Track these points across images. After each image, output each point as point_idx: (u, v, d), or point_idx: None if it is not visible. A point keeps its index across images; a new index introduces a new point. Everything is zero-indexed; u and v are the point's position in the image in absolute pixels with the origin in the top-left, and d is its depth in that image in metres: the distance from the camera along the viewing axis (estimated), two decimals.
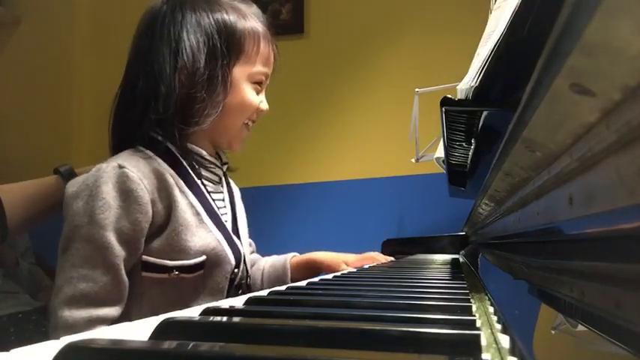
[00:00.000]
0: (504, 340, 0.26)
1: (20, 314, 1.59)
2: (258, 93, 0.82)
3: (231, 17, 0.77)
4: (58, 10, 2.26)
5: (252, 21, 0.80)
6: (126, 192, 0.68)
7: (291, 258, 1.02)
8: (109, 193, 0.67)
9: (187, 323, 0.28)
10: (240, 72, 0.79)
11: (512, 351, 0.25)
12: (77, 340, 0.23)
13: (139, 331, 0.27)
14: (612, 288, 0.22)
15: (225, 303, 0.41)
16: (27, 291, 1.72)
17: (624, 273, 0.20)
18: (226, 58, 0.76)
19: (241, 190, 0.96)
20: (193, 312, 0.34)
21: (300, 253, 1.04)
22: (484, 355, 0.23)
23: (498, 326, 0.31)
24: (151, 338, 0.26)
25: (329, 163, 2.08)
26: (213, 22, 0.76)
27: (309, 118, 2.12)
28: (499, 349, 0.25)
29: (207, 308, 0.35)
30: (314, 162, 2.10)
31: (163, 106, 0.72)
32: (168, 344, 0.23)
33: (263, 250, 1.06)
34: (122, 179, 0.68)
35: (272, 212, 2.01)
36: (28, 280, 1.75)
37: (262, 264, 1.03)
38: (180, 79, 0.73)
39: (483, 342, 0.24)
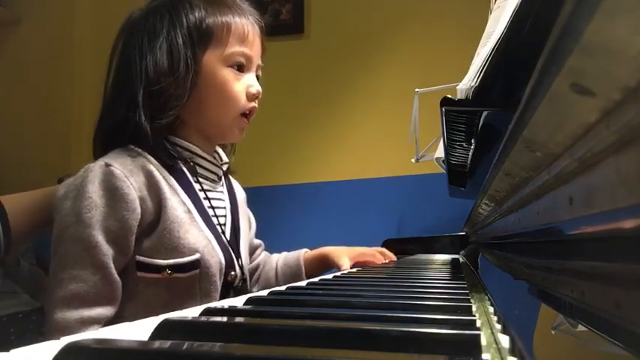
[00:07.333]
0: (504, 340, 0.26)
1: (20, 314, 1.59)
2: (241, 78, 0.79)
3: (195, 11, 0.77)
4: (58, 10, 2.26)
5: (223, 7, 0.78)
6: (112, 190, 0.67)
7: (303, 254, 1.02)
8: (95, 192, 0.67)
9: (187, 323, 0.28)
10: (212, 58, 0.77)
11: (512, 351, 0.25)
12: (77, 340, 0.23)
13: (139, 331, 0.27)
14: (612, 288, 0.22)
15: (225, 303, 0.41)
16: (27, 291, 1.72)
17: (624, 273, 0.20)
18: (191, 50, 0.75)
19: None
20: (193, 312, 0.34)
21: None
22: (484, 355, 0.23)
23: (498, 326, 0.31)
24: (151, 338, 0.26)
25: (329, 163, 2.08)
26: (174, 22, 0.76)
27: (309, 117, 2.12)
28: (499, 349, 0.25)
29: (207, 308, 0.35)
30: (314, 162, 2.10)
31: (135, 107, 0.73)
32: (169, 344, 0.23)
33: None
34: (108, 177, 0.68)
35: (272, 212, 2.00)
36: (28, 280, 1.75)
37: (274, 262, 1.02)
38: (147, 80, 0.73)
39: (483, 342, 0.24)
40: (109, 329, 0.28)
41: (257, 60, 0.81)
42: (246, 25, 0.79)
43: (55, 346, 0.22)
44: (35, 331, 1.52)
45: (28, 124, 2.22)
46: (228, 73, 0.77)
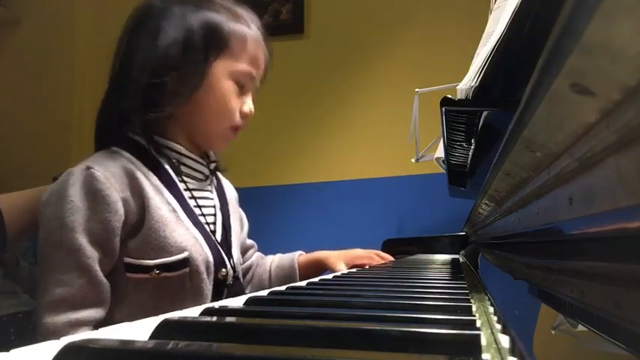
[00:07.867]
0: (504, 340, 0.26)
1: (20, 314, 1.59)
2: (241, 95, 0.81)
3: (220, 15, 0.77)
4: (58, 10, 2.26)
5: (243, 22, 0.79)
6: (93, 192, 0.67)
7: (298, 256, 1.02)
8: (76, 196, 0.67)
9: (187, 323, 0.28)
10: (221, 67, 0.77)
11: (512, 351, 0.25)
12: (77, 340, 0.23)
13: (139, 331, 0.27)
14: (612, 288, 0.22)
15: (224, 303, 0.41)
16: (27, 291, 1.72)
17: (624, 273, 0.20)
18: (205, 52, 0.75)
19: (240, 190, 0.96)
20: (193, 312, 0.34)
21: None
22: (484, 355, 0.23)
23: (498, 326, 0.31)
24: (150, 338, 0.26)
25: (329, 163, 2.08)
26: (198, 17, 0.76)
27: (309, 118, 2.12)
28: (499, 349, 0.25)
29: (208, 308, 0.35)
30: (314, 162, 2.10)
31: (130, 95, 0.73)
32: (169, 344, 0.23)
33: (263, 250, 1.06)
34: (89, 180, 0.68)
35: (272, 212, 2.00)
36: (28, 280, 1.75)
37: (268, 264, 1.02)
38: (151, 68, 0.73)
39: (483, 342, 0.24)
40: (109, 329, 0.28)
41: (257, 83, 0.84)
42: (260, 49, 0.81)
43: (55, 346, 0.22)
44: (35, 331, 1.52)
45: (28, 123, 2.22)
46: (230, 86, 0.79)
